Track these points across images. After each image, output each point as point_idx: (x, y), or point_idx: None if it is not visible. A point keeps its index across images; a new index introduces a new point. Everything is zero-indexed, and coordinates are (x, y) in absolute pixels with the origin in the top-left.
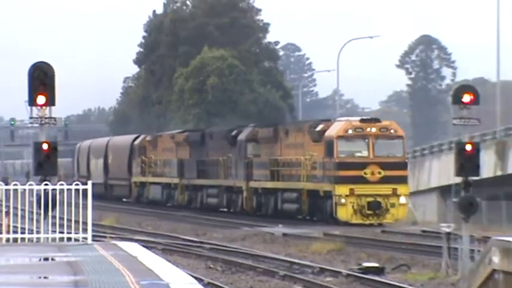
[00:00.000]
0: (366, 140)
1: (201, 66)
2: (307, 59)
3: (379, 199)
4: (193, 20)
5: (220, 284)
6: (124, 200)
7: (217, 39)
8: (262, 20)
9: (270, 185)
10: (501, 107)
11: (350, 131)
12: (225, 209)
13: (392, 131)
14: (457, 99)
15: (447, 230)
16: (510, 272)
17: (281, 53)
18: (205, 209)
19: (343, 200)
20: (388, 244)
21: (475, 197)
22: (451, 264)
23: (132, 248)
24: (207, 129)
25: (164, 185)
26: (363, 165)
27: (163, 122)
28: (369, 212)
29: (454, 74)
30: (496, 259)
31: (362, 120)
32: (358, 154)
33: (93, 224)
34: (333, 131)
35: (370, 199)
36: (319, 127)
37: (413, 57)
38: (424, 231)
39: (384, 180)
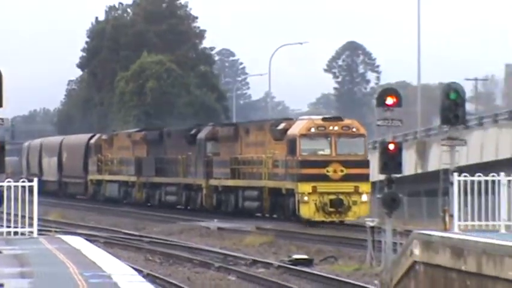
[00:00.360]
0: (329, 139)
1: (140, 70)
2: (241, 63)
3: (341, 197)
4: (133, 27)
5: (158, 275)
6: (79, 197)
7: (156, 45)
8: (198, 27)
9: (230, 182)
10: (422, 108)
11: (313, 130)
12: (184, 207)
13: (354, 129)
14: (381, 102)
15: (371, 224)
16: (430, 264)
17: (216, 57)
18: (164, 206)
19: (305, 198)
20: (317, 237)
21: (397, 193)
22: (375, 256)
23: (76, 241)
24: (165, 128)
25: (121, 182)
26: (325, 164)
27: (105, 123)
28: (331, 209)
29: (378, 78)
30: (416, 251)
31: (324, 119)
32: (321, 152)
33: (39, 219)
34: (296, 129)
35: (332, 197)
36: (281, 126)
37: (340, 62)
38: (350, 225)
39: (346, 178)
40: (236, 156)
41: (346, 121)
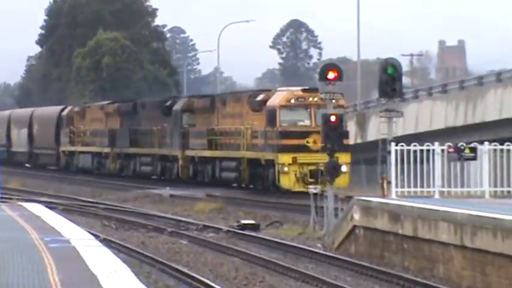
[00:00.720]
0: (308, 110)
1: (96, 47)
2: (191, 40)
3: (321, 167)
4: (89, 6)
5: (114, 240)
6: (50, 168)
7: (111, 23)
8: (151, 6)
9: (207, 153)
10: (361, 82)
11: (292, 101)
12: (158, 177)
13: (333, 100)
14: (323, 76)
15: (314, 191)
16: (369, 227)
17: (168, 35)
18: (138, 176)
19: (285, 169)
20: (264, 204)
21: (336, 162)
22: (318, 221)
23: (36, 208)
24: (139, 99)
25: (95, 154)
26: (305, 134)
27: (63, 97)
28: (311, 180)
29: (320, 54)
30: (356, 216)
31: (304, 90)
32: (301, 123)
33: (2, 187)
34: (275, 100)
35: (312, 167)
36: (260, 97)
37: (284, 39)
38: (295, 192)
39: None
40: (213, 128)
41: None
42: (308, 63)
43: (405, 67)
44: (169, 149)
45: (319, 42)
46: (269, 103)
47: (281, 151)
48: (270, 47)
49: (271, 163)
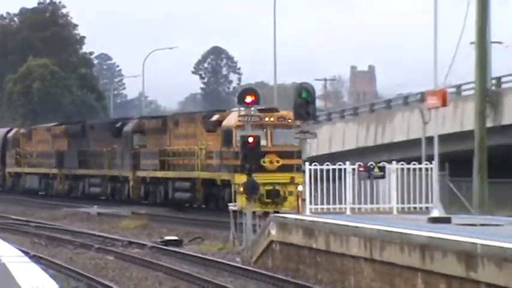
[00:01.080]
0: (265, 130)
1: (27, 73)
2: (118, 66)
3: (277, 187)
4: (20, 33)
5: (44, 256)
6: None
7: (41, 50)
8: (79, 34)
9: (159, 174)
10: (278, 105)
11: None
12: (108, 198)
13: (289, 120)
14: (241, 100)
15: (234, 208)
16: (285, 242)
17: (95, 61)
18: (87, 197)
19: (242, 189)
20: (186, 220)
21: (256, 181)
22: (237, 237)
23: None
24: (88, 121)
25: (42, 175)
26: (261, 154)
27: None
28: (267, 200)
29: (239, 79)
30: (273, 232)
31: (260, 110)
32: None
33: None
34: (231, 120)
35: (268, 187)
36: (214, 117)
37: (205, 65)
38: (215, 209)
39: (282, 169)
40: (165, 148)
41: (282, 112)
42: (228, 88)
43: (319, 91)
44: (119, 170)
45: (239, 68)
46: (225, 123)
47: (237, 171)
48: (193, 72)
49: (227, 183)
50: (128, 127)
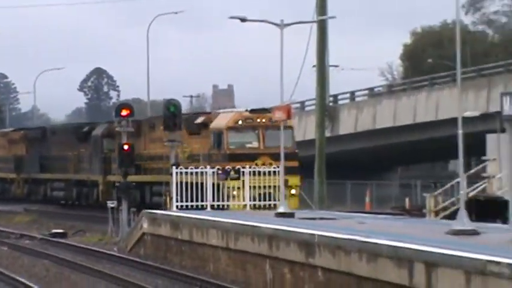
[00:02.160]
0: (256, 131)
1: None
2: (13, 84)
3: (270, 190)
4: None
5: None
6: None
7: None
8: None
9: (134, 178)
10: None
11: (240, 122)
12: (73, 202)
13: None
14: (117, 113)
15: (112, 205)
16: (155, 234)
17: None
18: (49, 201)
19: (235, 192)
20: (71, 216)
21: (130, 182)
22: (114, 230)
23: None
24: (49, 126)
25: None
26: (254, 157)
27: None
28: (261, 202)
29: (118, 95)
30: (145, 225)
31: (252, 111)
32: (249, 145)
33: None
34: (222, 122)
35: (261, 191)
36: (199, 120)
37: (89, 84)
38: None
39: (276, 172)
40: (140, 152)
41: None
42: (109, 103)
43: (186, 106)
44: (87, 174)
45: (118, 86)
46: (214, 125)
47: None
48: (78, 89)
49: (217, 186)
50: (97, 131)
